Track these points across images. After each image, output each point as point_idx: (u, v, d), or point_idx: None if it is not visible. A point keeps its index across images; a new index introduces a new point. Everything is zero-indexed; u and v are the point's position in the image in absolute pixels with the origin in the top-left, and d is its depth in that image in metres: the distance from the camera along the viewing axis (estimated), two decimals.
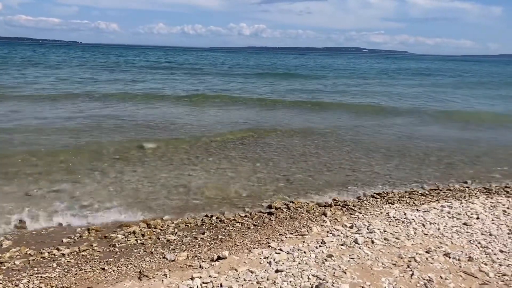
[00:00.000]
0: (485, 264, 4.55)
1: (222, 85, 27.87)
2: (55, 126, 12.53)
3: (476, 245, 5.05)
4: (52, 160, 9.08)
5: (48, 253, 5.13)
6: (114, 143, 10.74)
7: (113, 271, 4.62)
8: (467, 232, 5.48)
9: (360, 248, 4.93)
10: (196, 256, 4.99)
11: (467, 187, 8.10)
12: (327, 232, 5.57)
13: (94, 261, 4.94)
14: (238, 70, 46.61)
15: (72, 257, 5.03)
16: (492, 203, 6.89)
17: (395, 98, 23.87)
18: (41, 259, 4.98)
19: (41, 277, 4.47)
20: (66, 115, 14.58)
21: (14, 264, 4.84)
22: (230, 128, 13.36)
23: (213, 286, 4.08)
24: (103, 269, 4.66)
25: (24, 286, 4.28)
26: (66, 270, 4.64)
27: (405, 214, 6.20)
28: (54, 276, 4.49)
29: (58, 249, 5.23)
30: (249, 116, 16.13)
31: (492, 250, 4.90)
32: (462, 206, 6.65)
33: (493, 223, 5.83)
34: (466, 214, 6.19)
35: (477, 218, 6.04)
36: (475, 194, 7.55)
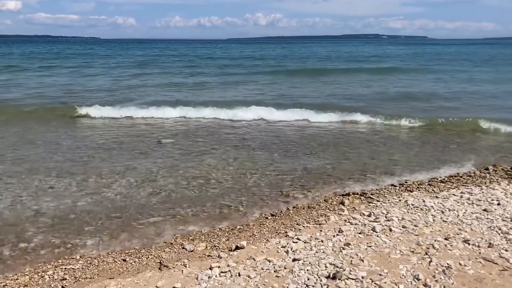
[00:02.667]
0: (506, 250, 4.49)
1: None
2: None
3: (496, 231, 4.99)
4: (74, 154, 9.29)
5: (72, 244, 5.28)
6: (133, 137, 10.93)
7: (134, 262, 4.73)
8: (487, 218, 5.41)
9: (378, 236, 4.93)
10: (215, 246, 5.06)
11: (488, 173, 7.96)
12: (345, 220, 5.57)
13: (116, 252, 5.06)
14: (314, 64, 39.33)
15: (94, 248, 5.16)
16: None
17: None
18: (65, 249, 5.14)
19: (65, 268, 4.62)
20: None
21: (39, 254, 5.01)
22: None
23: (231, 275, 4.14)
24: (124, 260, 4.78)
25: (49, 277, 4.42)
26: (88, 262, 4.77)
27: (424, 201, 6.15)
28: (78, 268, 4.63)
29: (80, 240, 5.38)
30: None
31: None
32: (483, 192, 6.56)
33: None
34: (487, 200, 6.11)
35: (498, 204, 5.95)
36: (496, 180, 7.42)
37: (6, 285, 4.26)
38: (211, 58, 49.37)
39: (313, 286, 3.85)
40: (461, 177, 7.74)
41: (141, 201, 6.73)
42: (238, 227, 5.71)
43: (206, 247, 5.06)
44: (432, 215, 5.57)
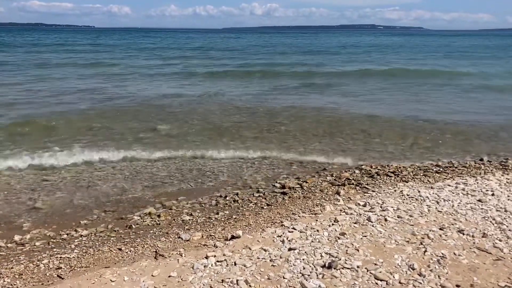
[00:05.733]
0: (500, 240, 4.52)
1: None
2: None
3: (490, 222, 5.02)
4: (69, 144, 9.23)
5: (67, 234, 5.28)
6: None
7: (130, 251, 4.72)
8: (482, 208, 5.45)
9: (373, 226, 4.95)
10: (211, 235, 5.06)
11: (482, 163, 8.00)
12: (340, 210, 5.59)
13: (111, 242, 5.06)
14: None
15: (89, 238, 5.16)
16: (508, 179, 6.81)
17: None
18: (60, 240, 5.13)
19: (60, 257, 4.60)
20: None
21: (34, 245, 4.99)
22: None
23: (227, 264, 4.15)
24: (120, 249, 4.77)
25: (44, 266, 4.41)
26: (84, 251, 4.76)
27: (419, 191, 6.17)
28: (73, 257, 4.61)
29: (76, 231, 5.37)
30: None
31: (507, 226, 4.86)
32: (477, 182, 6.60)
33: (508, 199, 5.78)
34: (481, 191, 6.14)
35: (492, 194, 5.98)
36: (491, 170, 7.47)
37: (1, 273, 4.25)
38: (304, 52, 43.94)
39: (308, 275, 3.86)
40: (456, 167, 7.77)
41: (136, 191, 6.73)
42: (233, 216, 5.71)
43: (202, 236, 5.06)
44: (427, 205, 5.60)
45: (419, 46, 58.86)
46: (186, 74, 23.42)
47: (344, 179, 7.20)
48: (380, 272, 3.89)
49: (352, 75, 23.32)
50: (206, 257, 4.33)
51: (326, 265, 4.00)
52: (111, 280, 3.97)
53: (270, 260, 4.18)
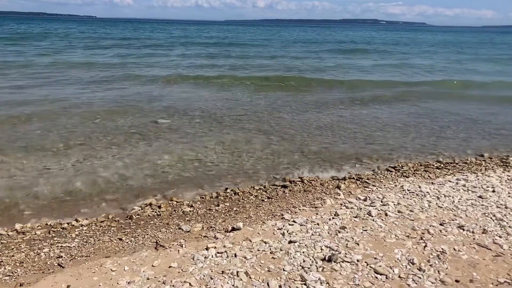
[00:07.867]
0: (500, 237, 4.53)
1: None
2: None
3: (491, 218, 5.03)
4: (70, 134, 9.23)
5: (68, 224, 5.28)
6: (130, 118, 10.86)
7: (130, 241, 4.74)
8: (482, 205, 5.45)
9: (373, 220, 4.96)
10: (211, 227, 5.08)
11: (483, 160, 8.00)
12: (341, 204, 5.60)
13: (112, 231, 5.07)
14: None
15: (90, 227, 5.17)
16: (509, 176, 6.81)
17: None
18: (61, 229, 5.13)
19: (61, 246, 4.62)
20: None
21: (35, 234, 5.00)
22: None
23: (227, 256, 4.16)
24: (120, 239, 4.79)
25: (45, 255, 4.43)
26: (85, 240, 4.78)
27: (419, 187, 6.18)
28: (74, 246, 4.63)
29: (77, 220, 5.38)
30: None
31: (507, 223, 4.87)
32: (478, 179, 6.60)
33: (509, 196, 5.78)
34: (482, 187, 6.15)
35: (493, 191, 5.99)
36: (492, 167, 7.47)
37: (2, 261, 4.26)
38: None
39: (308, 268, 3.87)
40: (456, 164, 7.77)
41: (137, 182, 6.73)
42: (234, 208, 5.72)
43: (203, 227, 5.07)
44: (427, 200, 5.60)
45: (450, 43, 57.24)
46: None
47: (345, 173, 7.19)
48: (380, 266, 3.90)
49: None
50: (207, 249, 4.34)
51: (326, 258, 4.01)
52: (111, 269, 3.99)
53: (270, 253, 4.19)
